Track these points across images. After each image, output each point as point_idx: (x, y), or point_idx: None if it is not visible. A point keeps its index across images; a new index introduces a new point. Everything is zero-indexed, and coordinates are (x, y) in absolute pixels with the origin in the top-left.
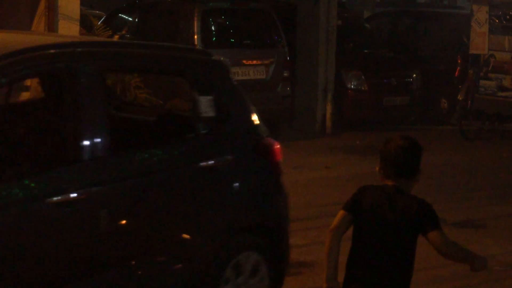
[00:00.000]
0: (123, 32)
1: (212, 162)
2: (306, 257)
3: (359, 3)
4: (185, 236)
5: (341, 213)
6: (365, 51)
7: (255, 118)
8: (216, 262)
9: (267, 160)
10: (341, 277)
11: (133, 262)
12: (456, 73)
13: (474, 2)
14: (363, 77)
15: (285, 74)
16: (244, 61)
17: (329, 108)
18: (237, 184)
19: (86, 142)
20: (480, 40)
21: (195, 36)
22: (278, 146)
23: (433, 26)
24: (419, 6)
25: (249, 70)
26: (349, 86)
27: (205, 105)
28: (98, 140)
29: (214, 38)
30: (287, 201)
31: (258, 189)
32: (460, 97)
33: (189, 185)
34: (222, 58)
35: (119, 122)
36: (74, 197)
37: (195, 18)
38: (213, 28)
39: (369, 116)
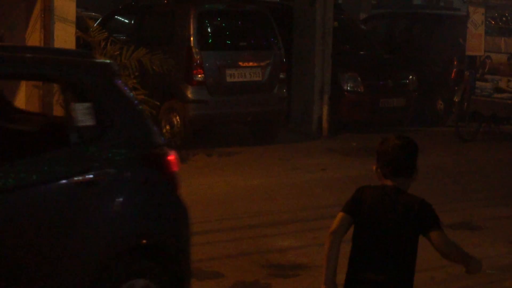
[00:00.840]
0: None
1: (90, 176)
2: (303, 259)
3: (355, 5)
4: (51, 265)
5: (340, 215)
6: (361, 52)
7: (147, 125)
8: None
9: (160, 172)
10: (339, 279)
11: None
12: (452, 74)
13: (470, 3)
14: (359, 78)
15: (281, 76)
16: (241, 63)
17: (325, 110)
18: (120, 200)
19: None
20: (476, 42)
21: (191, 38)
22: (174, 156)
23: (429, 27)
24: (415, 8)
25: (246, 72)
26: (345, 87)
27: (82, 113)
28: None
29: (210, 40)
30: (187, 217)
31: (147, 205)
32: (456, 99)
33: (59, 204)
34: (108, 61)
35: None
36: None
37: (191, 20)
38: (209, 30)
39: (365, 118)
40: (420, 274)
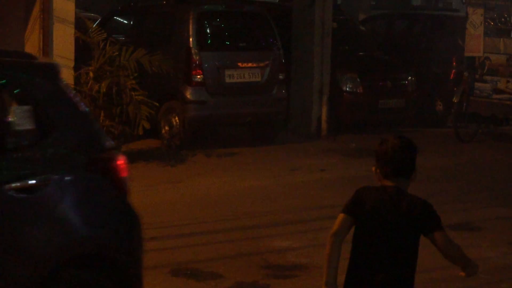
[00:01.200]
0: None
1: (31, 182)
2: (302, 260)
3: (354, 6)
4: None
5: (341, 216)
6: (360, 53)
7: (93, 129)
8: None
9: (107, 178)
10: (339, 280)
11: None
12: (451, 75)
13: (469, 4)
14: (358, 79)
15: (281, 77)
16: (240, 64)
17: (324, 111)
18: (64, 207)
19: None
20: (475, 43)
21: (190, 39)
22: (123, 161)
23: (428, 28)
24: (414, 9)
25: (245, 72)
26: (344, 88)
27: (20, 116)
28: None
29: (210, 41)
30: (137, 224)
31: (93, 212)
32: (455, 100)
33: None
34: (52, 61)
35: None
36: None
37: (190, 21)
38: (208, 30)
39: (365, 119)
40: (419, 275)
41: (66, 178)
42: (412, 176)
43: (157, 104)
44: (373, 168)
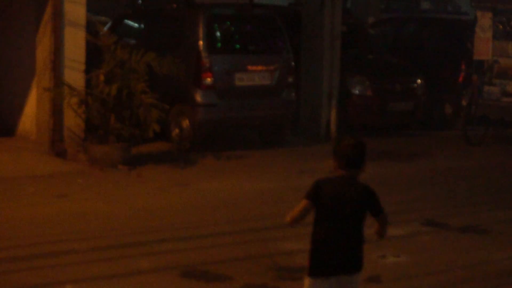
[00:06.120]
0: None
1: None
2: None
3: (364, 9)
4: None
5: (305, 202)
6: (370, 56)
7: None
8: None
9: None
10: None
11: None
12: (460, 78)
13: (478, 8)
14: (367, 82)
15: (290, 80)
16: (249, 67)
17: (333, 114)
18: None
19: None
20: (484, 46)
21: (200, 42)
22: None
23: (437, 32)
24: (423, 12)
25: (254, 75)
26: (353, 91)
27: None
28: None
29: (219, 44)
30: None
31: None
32: (464, 103)
33: None
34: None
35: None
36: None
37: (200, 24)
38: (218, 34)
39: (374, 122)
40: (426, 278)
41: None
42: (362, 168)
43: (167, 107)
44: (331, 163)
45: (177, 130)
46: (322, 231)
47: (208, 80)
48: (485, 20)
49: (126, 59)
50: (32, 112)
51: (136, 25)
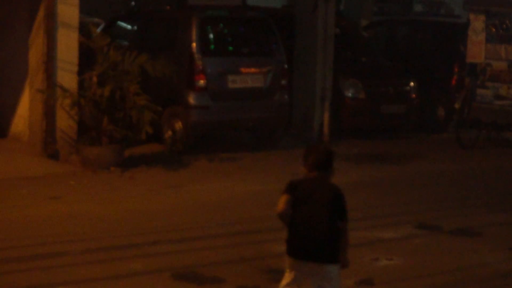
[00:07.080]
0: None
1: None
2: None
3: (357, 12)
4: None
5: (286, 196)
6: (363, 59)
7: None
8: None
9: None
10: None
11: None
12: (453, 81)
13: (471, 11)
14: (360, 85)
15: (283, 82)
16: (242, 69)
17: (326, 116)
18: None
19: None
20: (476, 49)
21: (193, 44)
22: None
23: (430, 34)
24: (416, 15)
25: (247, 78)
26: (346, 94)
27: None
28: None
29: (212, 46)
30: None
31: None
32: (457, 106)
33: None
34: None
35: None
36: None
37: (193, 26)
38: (211, 36)
39: (366, 124)
40: (419, 280)
41: None
42: (330, 171)
43: (160, 109)
44: (302, 168)
45: (170, 132)
46: (297, 215)
47: (201, 82)
48: (478, 23)
49: (119, 61)
50: (24, 114)
51: (129, 27)
